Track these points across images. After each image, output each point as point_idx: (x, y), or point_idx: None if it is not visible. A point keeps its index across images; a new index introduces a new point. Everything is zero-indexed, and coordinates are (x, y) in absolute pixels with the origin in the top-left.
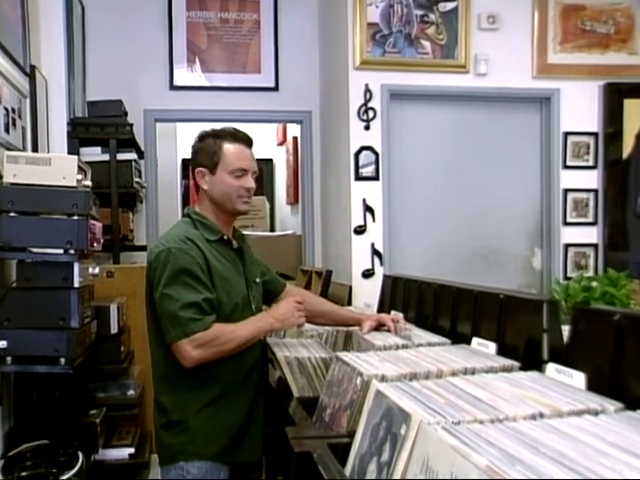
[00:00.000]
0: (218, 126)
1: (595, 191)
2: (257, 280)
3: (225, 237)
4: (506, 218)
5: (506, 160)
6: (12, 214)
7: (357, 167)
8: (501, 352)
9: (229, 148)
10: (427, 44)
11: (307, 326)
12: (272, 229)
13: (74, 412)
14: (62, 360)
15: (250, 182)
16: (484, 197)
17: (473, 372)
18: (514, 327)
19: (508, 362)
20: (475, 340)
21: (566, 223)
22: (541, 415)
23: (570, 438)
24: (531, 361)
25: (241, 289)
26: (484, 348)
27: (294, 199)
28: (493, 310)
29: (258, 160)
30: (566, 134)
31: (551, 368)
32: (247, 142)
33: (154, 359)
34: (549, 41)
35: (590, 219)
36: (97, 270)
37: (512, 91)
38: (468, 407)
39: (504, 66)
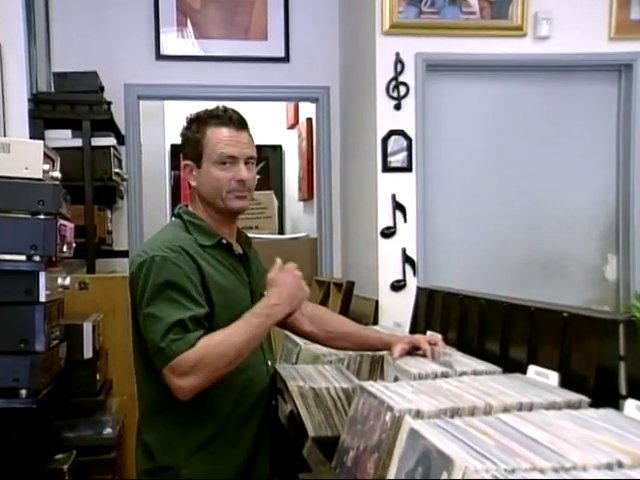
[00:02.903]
0: (214, 106)
1: None
2: (265, 293)
3: (224, 241)
4: (571, 217)
5: (572, 146)
6: None
7: (385, 155)
8: (565, 384)
9: (213, 132)
10: (474, 2)
11: (325, 350)
12: (281, 231)
13: (36, 457)
14: (23, 392)
15: (242, 171)
16: (543, 192)
17: (530, 408)
18: (581, 353)
19: (574, 396)
20: (532, 368)
21: None
22: (619, 464)
23: None
24: (604, 396)
25: (245, 303)
26: (543, 378)
27: (308, 194)
28: (554, 331)
29: (264, 147)
30: None
31: (631, 405)
32: (237, 123)
33: (140, 389)
34: None
35: None
36: (68, 281)
37: (582, 58)
38: (524, 451)
39: (572, 26)
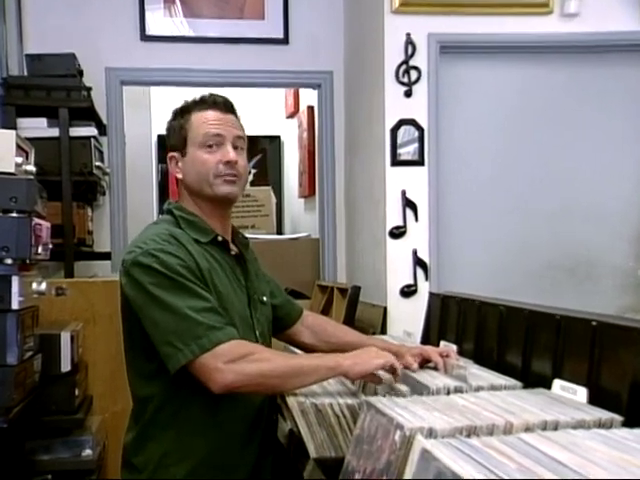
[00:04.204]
0: (206, 92)
1: None
2: (264, 299)
3: (219, 238)
4: (602, 216)
5: (603, 137)
6: None
7: (394, 147)
8: (594, 400)
9: (197, 117)
10: None
11: None
12: (279, 231)
13: None
14: None
15: (229, 152)
16: (571, 188)
17: (555, 427)
18: (613, 366)
19: (605, 414)
20: (557, 383)
21: None
22: None
23: None
24: (638, 414)
25: (241, 308)
26: (570, 394)
27: (309, 190)
28: (583, 342)
29: (261, 138)
30: None
31: None
32: (222, 106)
33: (137, 400)
34: None
35: None
36: (44, 286)
37: (614, 37)
38: (549, 475)
39: (603, 2)
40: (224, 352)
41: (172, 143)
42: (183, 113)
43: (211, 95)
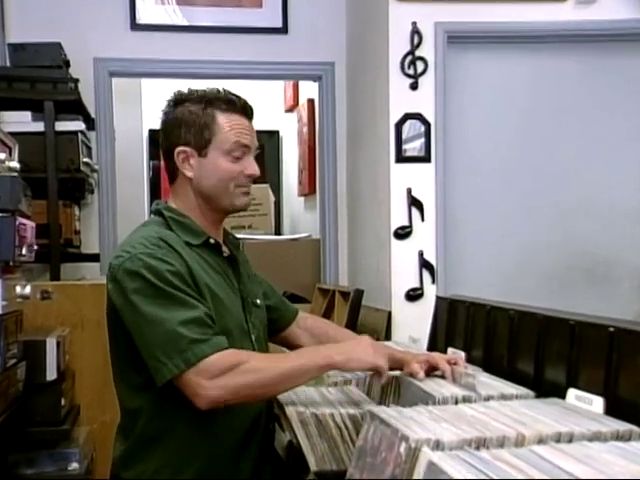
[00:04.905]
0: (201, 85)
1: None
2: (258, 302)
3: (212, 241)
4: (619, 214)
5: (620, 131)
6: None
7: (399, 143)
8: (612, 411)
9: (227, 118)
10: None
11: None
12: (278, 231)
13: None
14: None
15: (254, 165)
16: (587, 185)
17: (570, 439)
18: (631, 374)
19: (623, 426)
20: (572, 392)
21: None
22: None
23: None
24: None
25: (236, 312)
26: (586, 404)
27: (309, 188)
28: (599, 349)
29: (258, 132)
30: None
31: None
32: (247, 112)
33: (126, 412)
34: None
35: None
36: (28, 289)
37: (633, 25)
38: None
39: None
40: (208, 367)
41: (185, 137)
42: (206, 107)
43: (239, 98)
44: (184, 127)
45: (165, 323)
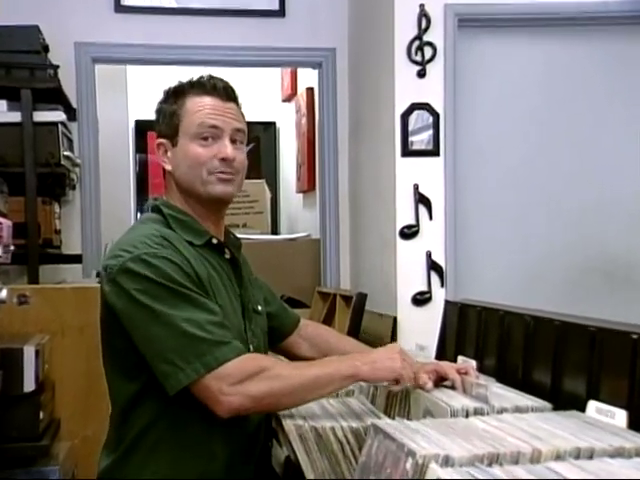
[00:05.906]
0: (193, 72)
1: None
2: (259, 308)
3: (214, 241)
4: None
5: None
6: None
7: (405, 136)
8: (636, 425)
9: (193, 102)
10: None
11: None
12: (275, 230)
13: None
14: None
15: (227, 147)
16: (607, 183)
17: (590, 456)
18: None
19: None
20: (592, 405)
21: None
22: None
23: None
24: None
25: (235, 319)
26: (607, 418)
27: (308, 185)
28: (621, 357)
29: (254, 124)
30: None
31: None
32: (223, 92)
33: (119, 422)
34: None
35: None
36: (4, 293)
37: None
38: None
39: None
40: (230, 372)
41: (161, 128)
42: (177, 95)
43: (211, 78)
44: (160, 120)
45: (181, 325)
